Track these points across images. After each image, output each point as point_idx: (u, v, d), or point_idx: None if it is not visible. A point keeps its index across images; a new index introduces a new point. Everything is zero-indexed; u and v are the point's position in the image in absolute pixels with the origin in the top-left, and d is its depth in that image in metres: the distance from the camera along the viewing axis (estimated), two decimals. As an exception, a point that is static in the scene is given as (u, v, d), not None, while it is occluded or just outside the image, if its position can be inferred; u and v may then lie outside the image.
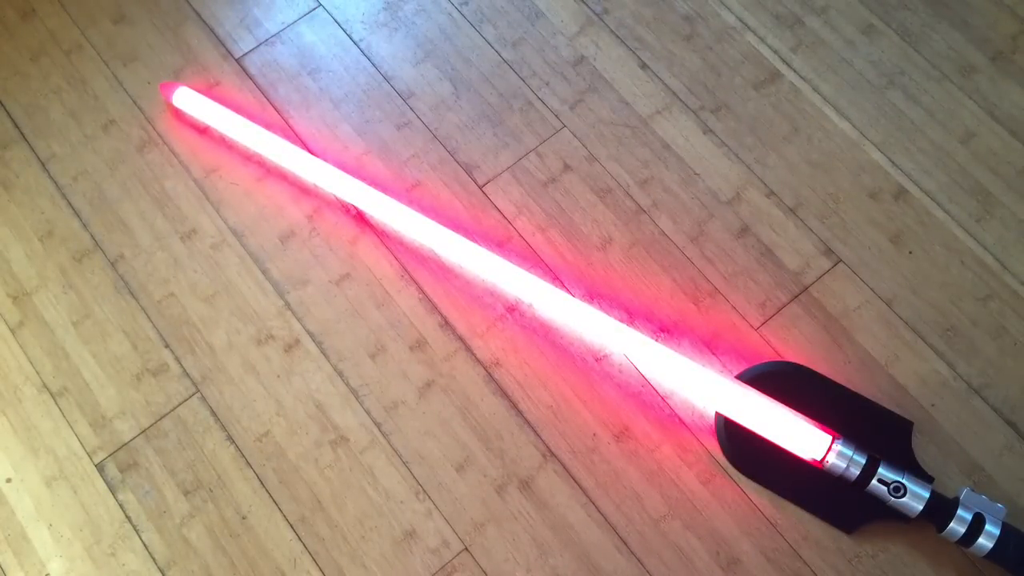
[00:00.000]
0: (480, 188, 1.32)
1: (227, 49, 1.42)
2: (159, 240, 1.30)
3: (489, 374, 1.21)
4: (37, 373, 1.23)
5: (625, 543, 1.12)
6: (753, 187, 1.31)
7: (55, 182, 1.34)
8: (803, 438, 0.82)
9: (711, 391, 0.82)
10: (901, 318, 1.22)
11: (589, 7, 1.43)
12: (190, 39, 1.43)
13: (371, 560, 1.12)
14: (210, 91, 1.39)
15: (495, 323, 1.23)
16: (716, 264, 1.26)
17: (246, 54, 1.42)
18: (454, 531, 1.13)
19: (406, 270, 1.27)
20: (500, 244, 1.28)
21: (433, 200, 1.31)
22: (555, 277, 1.26)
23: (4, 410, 1.21)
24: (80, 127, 1.37)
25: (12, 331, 1.25)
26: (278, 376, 1.22)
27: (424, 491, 1.15)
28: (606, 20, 1.42)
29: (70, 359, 1.24)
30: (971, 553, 0.73)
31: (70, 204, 1.33)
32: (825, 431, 0.82)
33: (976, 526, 0.77)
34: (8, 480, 1.18)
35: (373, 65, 1.41)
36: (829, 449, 0.79)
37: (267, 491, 1.16)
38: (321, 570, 1.12)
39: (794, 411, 0.83)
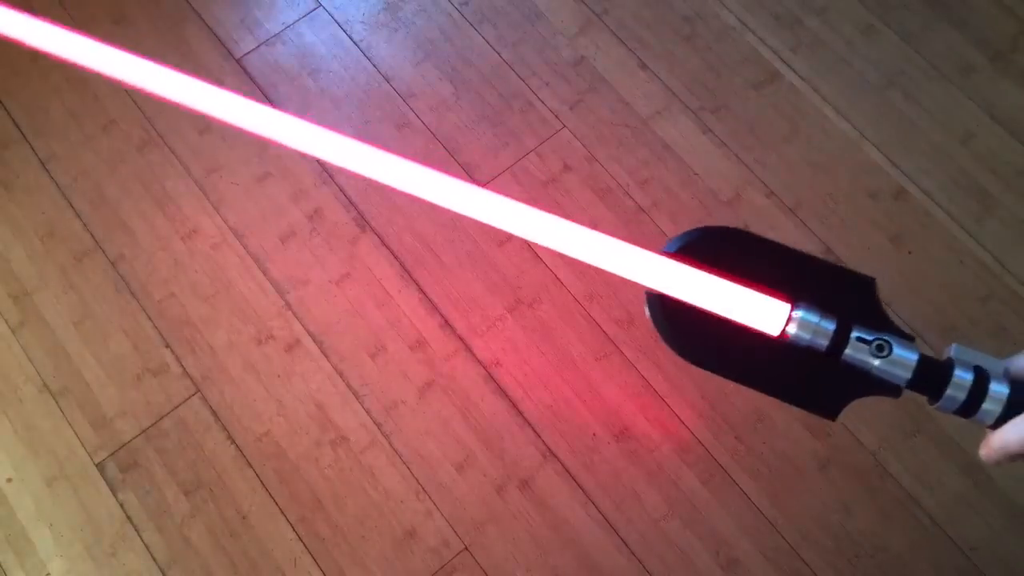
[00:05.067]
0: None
1: (227, 49, 1.42)
2: (159, 240, 1.30)
3: (489, 374, 1.21)
4: (38, 373, 1.23)
5: (625, 543, 1.12)
6: (753, 187, 1.31)
7: (55, 182, 1.34)
8: (754, 308, 0.62)
9: (636, 268, 0.62)
10: (901, 318, 1.22)
11: (589, 7, 1.44)
12: (190, 39, 1.43)
13: (371, 559, 1.13)
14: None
15: (495, 323, 1.23)
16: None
17: (246, 54, 1.42)
18: (454, 531, 1.13)
19: (406, 270, 1.27)
20: (500, 244, 1.28)
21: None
22: (555, 277, 1.26)
23: (5, 410, 1.22)
24: (80, 127, 1.37)
25: (13, 331, 1.25)
26: (278, 376, 1.22)
27: (424, 491, 1.15)
28: (606, 20, 1.43)
29: (71, 359, 1.24)
30: (975, 422, 0.61)
31: (70, 204, 1.33)
32: (779, 298, 0.65)
33: (978, 389, 0.60)
34: (9, 480, 1.18)
35: (373, 65, 1.41)
36: (789, 318, 0.61)
37: (267, 491, 1.16)
38: (321, 569, 1.12)
39: (737, 281, 0.66)
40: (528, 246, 1.28)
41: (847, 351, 0.60)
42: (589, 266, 0.60)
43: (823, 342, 0.61)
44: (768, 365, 0.66)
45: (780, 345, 0.63)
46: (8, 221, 1.32)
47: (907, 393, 0.60)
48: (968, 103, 1.35)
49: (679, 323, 0.67)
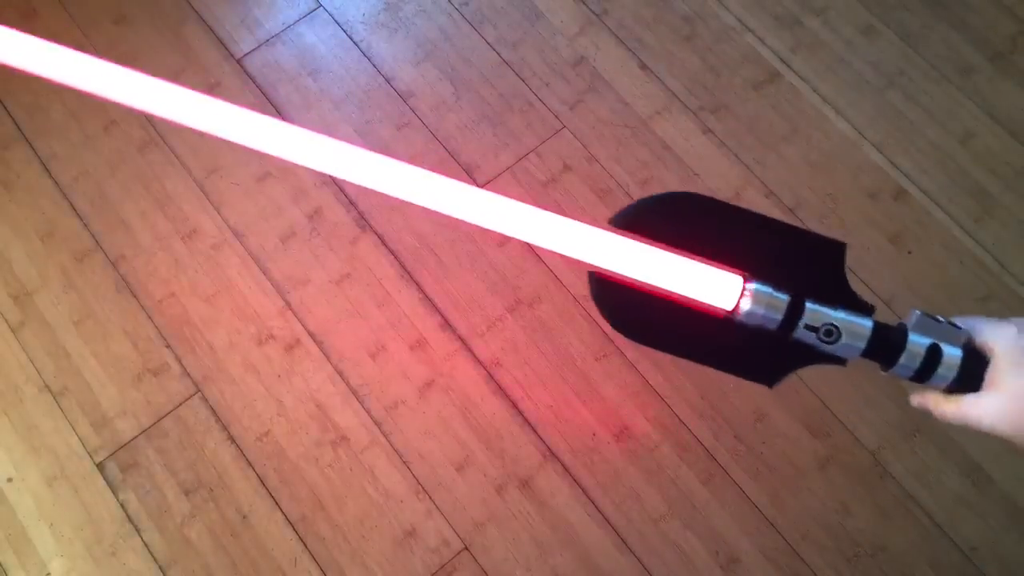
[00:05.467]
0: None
1: (228, 49, 1.42)
2: (160, 240, 1.30)
3: (489, 374, 1.21)
4: (38, 373, 1.23)
5: (625, 543, 1.12)
6: (752, 187, 1.31)
7: (56, 182, 1.34)
8: (704, 283, 0.59)
9: (578, 244, 0.57)
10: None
11: (589, 7, 1.44)
12: (190, 39, 1.43)
13: (371, 559, 1.13)
14: (211, 91, 1.39)
15: (495, 323, 1.24)
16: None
17: (247, 55, 1.42)
18: (454, 530, 1.14)
19: (406, 270, 1.27)
20: (500, 244, 1.28)
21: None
22: (555, 277, 1.26)
23: (5, 410, 1.22)
24: (81, 127, 1.37)
25: (13, 331, 1.25)
26: (279, 376, 1.22)
27: (424, 491, 1.16)
28: (606, 20, 1.43)
29: (71, 359, 1.24)
30: (928, 387, 0.58)
31: (71, 204, 1.33)
32: (732, 271, 0.59)
33: (933, 355, 0.58)
34: (9, 479, 1.18)
35: (373, 66, 1.41)
36: (741, 294, 0.57)
37: (268, 491, 1.16)
38: (321, 569, 1.13)
39: (688, 253, 0.61)
40: (528, 246, 1.28)
41: (797, 333, 0.58)
42: (589, 265, 0.59)
43: (775, 318, 0.57)
44: (716, 339, 0.63)
45: (730, 320, 0.60)
46: (8, 221, 1.32)
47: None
48: (968, 103, 1.35)
49: (622, 300, 0.63)
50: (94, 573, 1.13)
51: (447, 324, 1.24)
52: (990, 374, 0.56)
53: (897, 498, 1.14)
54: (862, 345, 0.58)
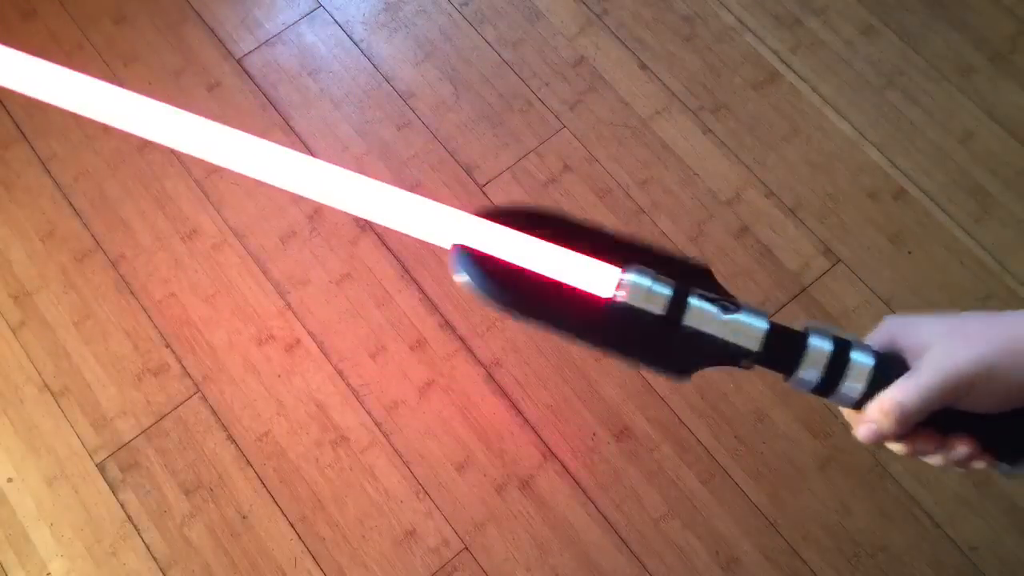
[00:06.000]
0: (480, 188, 1.32)
1: (227, 49, 1.42)
2: (160, 240, 1.30)
3: (489, 374, 1.21)
4: (38, 373, 1.23)
5: (625, 543, 1.12)
6: (752, 187, 1.31)
7: (56, 182, 1.34)
8: (582, 272, 0.54)
9: (446, 229, 0.56)
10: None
11: (589, 7, 1.44)
12: (190, 39, 1.43)
13: (371, 559, 1.13)
14: (210, 91, 1.39)
15: (495, 323, 1.24)
16: (716, 264, 1.26)
17: (247, 54, 1.42)
18: (454, 531, 1.14)
19: (406, 270, 1.27)
20: (500, 244, 1.28)
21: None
22: (555, 277, 1.26)
23: (5, 410, 1.22)
24: (81, 127, 1.37)
25: (13, 331, 1.25)
26: (278, 376, 1.22)
27: (424, 491, 1.16)
28: (606, 20, 1.43)
29: (71, 359, 1.24)
30: (834, 403, 0.50)
31: (71, 204, 1.33)
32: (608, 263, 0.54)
33: (839, 360, 0.49)
34: (9, 480, 1.18)
35: (373, 65, 1.41)
36: (620, 282, 0.51)
37: (268, 491, 1.16)
38: (322, 569, 1.13)
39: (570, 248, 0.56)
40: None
41: (690, 309, 0.50)
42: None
43: (659, 306, 0.50)
44: (603, 326, 0.54)
45: (615, 309, 0.52)
46: (8, 221, 1.32)
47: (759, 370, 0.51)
48: (967, 103, 1.35)
49: (495, 271, 0.55)
50: (94, 573, 1.13)
51: (447, 324, 1.24)
52: (910, 354, 0.46)
53: (897, 498, 1.14)
54: (757, 343, 0.49)
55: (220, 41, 1.43)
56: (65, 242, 1.30)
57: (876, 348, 0.49)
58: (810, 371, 0.48)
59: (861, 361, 0.48)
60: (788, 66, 1.39)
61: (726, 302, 0.50)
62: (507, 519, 1.14)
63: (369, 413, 1.20)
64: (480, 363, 1.21)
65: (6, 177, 1.35)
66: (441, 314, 1.24)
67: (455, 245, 0.54)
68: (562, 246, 0.54)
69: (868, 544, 1.08)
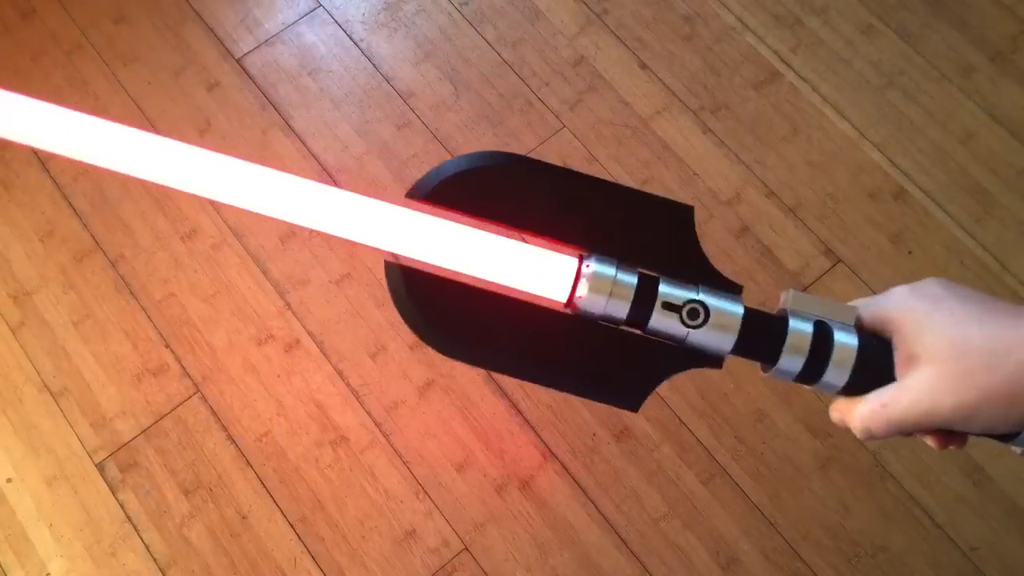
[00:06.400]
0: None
1: (227, 49, 1.42)
2: (159, 240, 1.30)
3: (489, 374, 1.21)
4: (38, 373, 1.23)
5: (625, 543, 1.12)
6: (753, 187, 1.31)
7: (55, 182, 1.34)
8: (529, 267, 0.45)
9: (372, 225, 0.48)
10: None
11: (589, 7, 1.43)
12: (190, 39, 1.43)
13: (371, 560, 1.13)
14: (210, 91, 1.39)
15: (495, 323, 1.23)
16: (716, 264, 1.26)
17: (246, 54, 1.42)
18: (454, 531, 1.14)
19: (406, 270, 1.27)
20: (500, 244, 1.28)
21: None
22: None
23: (5, 410, 1.21)
24: (80, 127, 1.37)
25: (13, 331, 1.25)
26: (278, 376, 1.22)
27: (424, 491, 1.15)
28: (606, 20, 1.43)
29: (71, 359, 1.24)
30: (820, 390, 0.44)
31: (70, 204, 1.33)
32: (565, 248, 0.46)
33: (820, 346, 0.43)
34: (9, 480, 1.18)
35: (373, 65, 1.41)
36: (578, 276, 0.43)
37: (267, 491, 1.16)
38: (321, 570, 1.12)
39: (509, 229, 0.47)
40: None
41: (653, 320, 0.43)
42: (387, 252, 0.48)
43: (622, 307, 0.43)
44: (553, 346, 0.47)
45: (568, 317, 0.45)
46: (8, 221, 1.32)
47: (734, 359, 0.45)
48: (968, 103, 1.35)
49: (431, 299, 0.47)
50: (93, 573, 1.13)
51: (447, 324, 1.23)
52: (900, 353, 0.41)
53: (897, 498, 1.14)
54: (732, 340, 0.44)
55: (220, 41, 1.43)
56: (64, 242, 1.30)
57: (866, 319, 0.44)
58: (790, 362, 0.44)
59: (844, 341, 0.43)
60: (788, 66, 1.39)
61: (695, 299, 0.44)
62: (507, 519, 1.14)
63: (369, 413, 1.19)
64: (480, 363, 1.21)
65: (5, 177, 1.35)
66: (441, 314, 1.24)
67: (386, 261, 0.47)
68: (518, 206, 0.46)
69: (868, 544, 1.08)
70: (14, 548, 1.15)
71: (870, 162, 1.32)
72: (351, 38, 1.43)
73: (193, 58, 1.42)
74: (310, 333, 1.24)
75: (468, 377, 1.21)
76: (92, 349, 1.24)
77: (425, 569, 1.12)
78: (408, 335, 1.23)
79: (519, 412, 1.19)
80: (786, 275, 1.25)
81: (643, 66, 1.39)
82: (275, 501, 1.16)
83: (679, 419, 1.16)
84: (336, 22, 1.44)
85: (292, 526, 1.14)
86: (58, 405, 1.21)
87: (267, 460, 1.18)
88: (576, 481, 1.15)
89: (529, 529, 1.13)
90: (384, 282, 1.35)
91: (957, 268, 1.25)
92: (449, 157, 1.33)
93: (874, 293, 1.36)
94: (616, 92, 1.38)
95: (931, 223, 1.28)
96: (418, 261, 0.46)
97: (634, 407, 0.47)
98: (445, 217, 0.46)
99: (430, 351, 1.22)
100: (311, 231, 1.29)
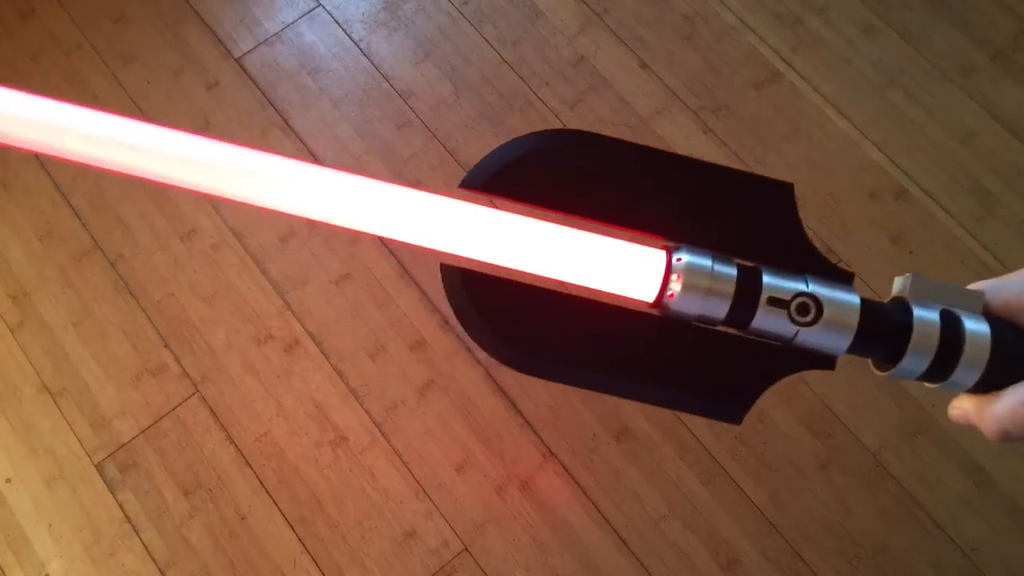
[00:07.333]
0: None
1: (227, 49, 1.42)
2: (159, 240, 1.30)
3: (489, 374, 1.21)
4: (37, 373, 1.23)
5: (625, 543, 1.12)
6: (753, 187, 1.31)
7: (55, 182, 1.34)
8: (607, 265, 0.38)
9: (413, 222, 0.39)
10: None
11: (589, 7, 1.43)
12: (190, 39, 1.43)
13: (371, 560, 1.12)
14: (209, 90, 1.38)
15: (495, 323, 1.23)
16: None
17: (246, 54, 1.42)
18: (454, 531, 1.13)
19: (406, 270, 1.27)
20: (500, 244, 1.28)
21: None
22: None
23: (4, 410, 1.21)
24: (80, 127, 1.37)
25: (12, 331, 1.25)
26: (278, 376, 1.22)
27: (424, 491, 1.15)
28: (606, 20, 1.42)
29: (70, 359, 1.23)
30: (945, 388, 0.38)
31: (70, 204, 1.32)
32: (649, 239, 0.39)
33: (951, 340, 0.37)
34: (8, 480, 1.18)
35: (373, 65, 1.41)
36: (668, 271, 0.37)
37: (267, 491, 1.16)
38: (321, 570, 1.12)
39: (579, 219, 0.40)
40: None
41: (757, 318, 0.37)
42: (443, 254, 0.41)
43: (722, 305, 0.37)
44: (640, 354, 0.40)
45: (656, 319, 0.39)
46: (7, 221, 1.32)
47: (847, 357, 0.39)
48: (969, 102, 1.35)
49: (499, 306, 0.40)
50: (93, 574, 1.13)
51: (447, 324, 1.23)
52: None
53: (898, 499, 1.14)
54: (848, 338, 0.37)
55: (219, 40, 1.43)
56: (63, 242, 1.30)
57: (995, 304, 0.38)
58: (915, 360, 0.37)
59: (976, 331, 0.37)
60: (789, 65, 1.39)
61: (803, 291, 0.37)
62: (507, 519, 1.14)
63: (368, 413, 1.19)
64: (480, 363, 1.21)
65: (4, 177, 1.34)
66: (441, 314, 1.24)
67: (442, 264, 0.40)
68: (588, 193, 0.39)
69: (869, 544, 1.08)
70: (13, 548, 1.14)
71: (871, 162, 1.32)
72: (351, 37, 1.43)
73: (192, 57, 1.41)
74: (309, 333, 1.24)
75: (468, 377, 1.20)
76: (91, 349, 1.24)
77: (425, 569, 1.12)
78: (408, 335, 1.23)
79: (519, 412, 1.19)
80: (787, 275, 1.25)
81: (643, 65, 1.39)
82: (274, 501, 1.16)
83: (679, 419, 1.16)
84: (336, 21, 1.44)
85: (291, 526, 1.14)
86: (57, 405, 1.21)
87: (266, 460, 1.18)
88: (576, 481, 1.15)
89: (529, 529, 1.13)
90: (384, 282, 1.35)
91: (958, 267, 1.25)
92: (449, 157, 1.33)
93: (875, 293, 1.35)
94: (616, 92, 1.37)
95: (932, 223, 1.28)
96: (478, 262, 0.39)
97: (737, 419, 0.42)
98: (507, 209, 0.40)
99: (430, 351, 1.22)
100: (310, 231, 1.29)
